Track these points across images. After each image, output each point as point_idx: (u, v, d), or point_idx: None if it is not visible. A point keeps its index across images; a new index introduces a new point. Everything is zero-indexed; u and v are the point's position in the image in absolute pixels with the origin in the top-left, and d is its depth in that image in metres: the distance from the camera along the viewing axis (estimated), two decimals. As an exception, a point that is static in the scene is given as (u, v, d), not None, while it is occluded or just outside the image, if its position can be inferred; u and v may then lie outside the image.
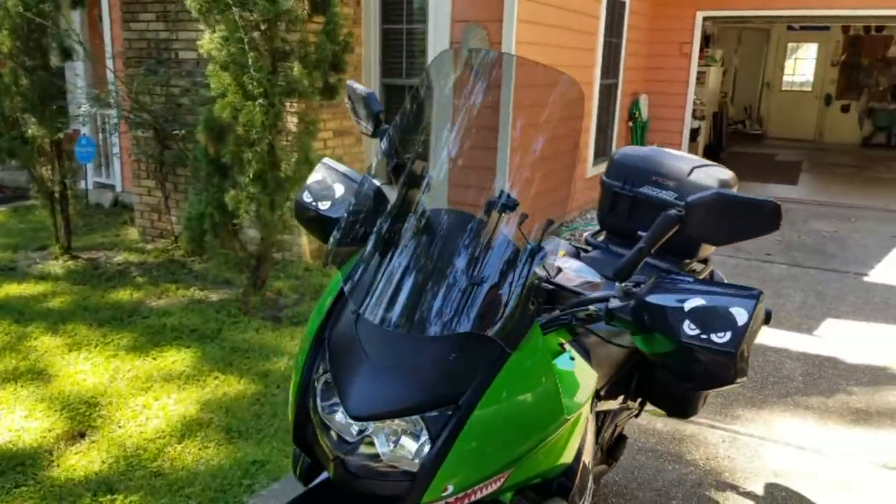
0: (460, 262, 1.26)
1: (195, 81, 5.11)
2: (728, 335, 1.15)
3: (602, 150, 7.73)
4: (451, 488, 1.18)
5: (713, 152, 10.70)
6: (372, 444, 1.20)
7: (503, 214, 1.31)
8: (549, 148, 1.40)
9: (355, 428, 1.21)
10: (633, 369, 1.98)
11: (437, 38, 5.26)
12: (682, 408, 2.10)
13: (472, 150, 1.44)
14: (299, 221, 1.66)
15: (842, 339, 4.28)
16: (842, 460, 2.96)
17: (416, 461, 1.17)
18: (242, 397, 3.27)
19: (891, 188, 9.61)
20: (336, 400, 1.23)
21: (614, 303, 1.30)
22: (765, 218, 1.20)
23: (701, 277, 2.22)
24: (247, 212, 4.14)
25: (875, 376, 3.78)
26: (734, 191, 1.26)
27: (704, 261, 2.45)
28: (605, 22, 7.01)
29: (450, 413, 1.17)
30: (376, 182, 1.50)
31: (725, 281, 2.43)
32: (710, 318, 1.17)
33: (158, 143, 5.31)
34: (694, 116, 9.10)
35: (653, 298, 1.25)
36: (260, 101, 3.65)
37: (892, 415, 3.36)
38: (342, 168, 1.67)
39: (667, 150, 2.44)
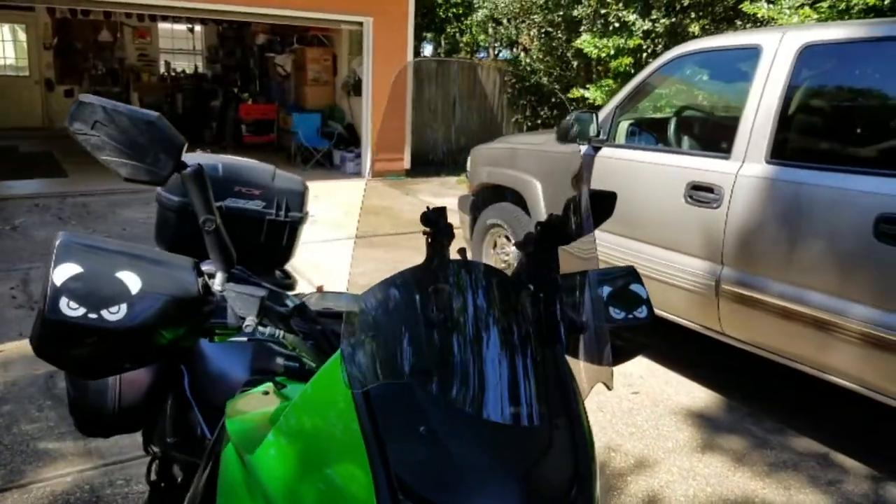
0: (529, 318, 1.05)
1: None
2: (644, 308, 1.27)
3: None
4: None
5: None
6: None
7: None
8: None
9: None
10: None
11: None
12: None
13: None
14: (52, 353, 0.92)
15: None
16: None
17: None
18: None
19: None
20: None
21: None
22: (609, 206, 1.35)
23: (288, 282, 2.16)
24: None
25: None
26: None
27: (285, 271, 2.26)
28: None
29: (580, 482, 0.96)
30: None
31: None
32: (624, 300, 1.27)
33: None
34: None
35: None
36: None
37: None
38: (111, 244, 0.95)
39: (231, 157, 2.09)
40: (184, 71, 14.78)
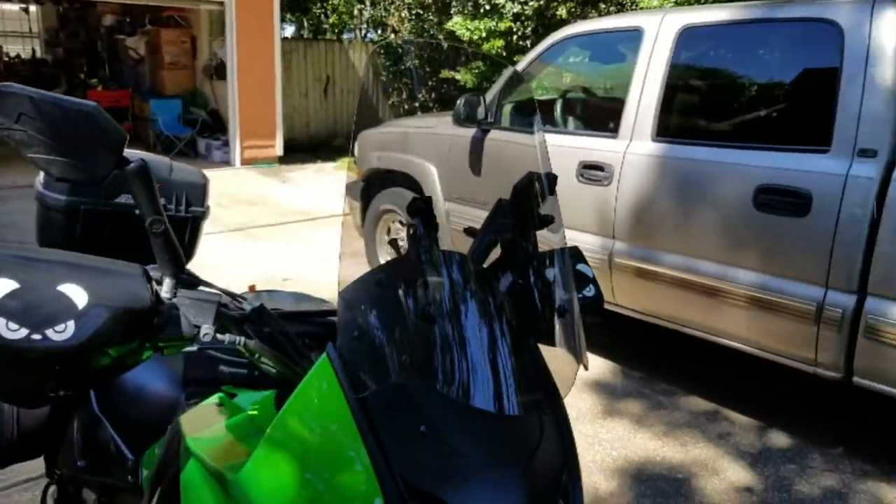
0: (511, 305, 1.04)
1: None
2: (592, 287, 1.29)
3: None
4: None
5: None
6: None
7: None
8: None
9: None
10: None
11: None
12: None
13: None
14: None
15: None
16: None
17: None
18: None
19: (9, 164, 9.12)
20: None
21: None
22: (550, 188, 1.32)
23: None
24: None
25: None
26: None
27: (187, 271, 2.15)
28: None
29: (569, 467, 0.99)
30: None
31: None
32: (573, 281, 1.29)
33: None
34: None
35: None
36: None
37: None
38: (47, 254, 0.87)
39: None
40: (18, 56, 13.39)
